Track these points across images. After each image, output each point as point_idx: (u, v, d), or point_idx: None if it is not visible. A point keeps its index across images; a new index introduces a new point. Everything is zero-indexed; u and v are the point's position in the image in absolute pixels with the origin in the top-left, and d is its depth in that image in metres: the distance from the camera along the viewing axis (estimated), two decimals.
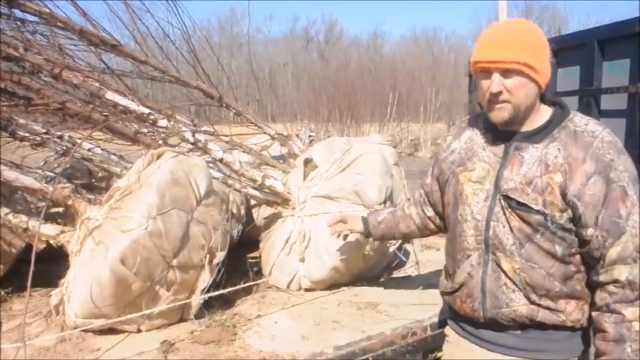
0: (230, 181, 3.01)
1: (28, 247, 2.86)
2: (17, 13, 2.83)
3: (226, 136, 3.39)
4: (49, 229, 2.58)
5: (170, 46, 3.78)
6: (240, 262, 3.34)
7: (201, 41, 4.18)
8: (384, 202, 2.99)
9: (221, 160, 3.00)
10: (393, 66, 31.05)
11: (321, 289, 2.98)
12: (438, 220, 2.20)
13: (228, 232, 2.88)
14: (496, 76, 1.64)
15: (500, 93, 1.64)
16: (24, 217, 2.61)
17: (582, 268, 1.72)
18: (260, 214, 3.49)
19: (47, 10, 2.81)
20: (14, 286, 2.88)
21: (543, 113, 1.74)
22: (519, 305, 1.73)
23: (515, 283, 1.72)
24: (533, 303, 1.72)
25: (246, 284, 2.85)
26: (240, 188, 3.06)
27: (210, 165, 2.96)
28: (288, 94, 34.68)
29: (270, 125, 3.81)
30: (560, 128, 1.70)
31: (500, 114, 1.68)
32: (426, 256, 3.53)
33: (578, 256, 1.71)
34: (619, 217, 1.60)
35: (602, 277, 1.66)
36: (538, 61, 1.64)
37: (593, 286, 1.72)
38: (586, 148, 1.63)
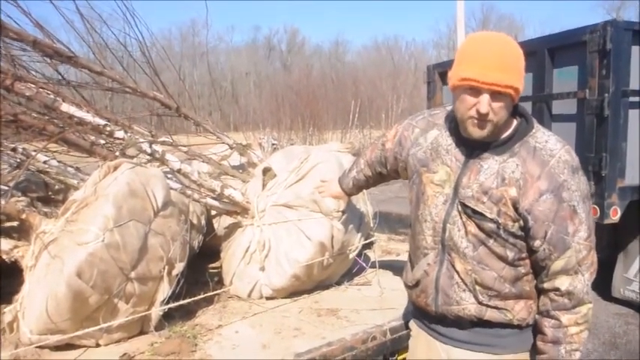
0: (189, 192, 3.00)
1: None
2: None
3: (185, 146, 3.38)
4: (2, 244, 2.53)
5: (129, 57, 3.76)
6: (201, 273, 3.32)
7: (160, 53, 4.17)
8: (343, 211, 3.03)
9: (179, 171, 2.99)
10: (354, 74, 31.36)
11: (282, 297, 2.99)
12: (393, 175, 2.41)
13: (187, 242, 2.86)
14: (486, 97, 1.66)
15: (487, 113, 1.67)
16: None
17: (531, 270, 1.81)
18: (220, 223, 3.49)
19: None
20: None
21: (509, 124, 1.78)
22: (468, 304, 1.83)
23: (466, 284, 1.82)
24: (481, 303, 1.81)
25: (207, 294, 2.84)
26: (199, 198, 3.06)
27: (169, 176, 2.95)
28: (250, 103, 34.56)
29: (232, 134, 3.83)
30: (522, 143, 1.76)
31: (479, 131, 1.72)
32: (387, 261, 3.57)
33: (528, 260, 1.80)
34: (566, 234, 1.70)
35: (545, 285, 1.78)
36: (521, 83, 1.69)
37: (537, 290, 1.83)
38: (542, 166, 1.70)
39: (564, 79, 5.15)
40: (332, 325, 2.62)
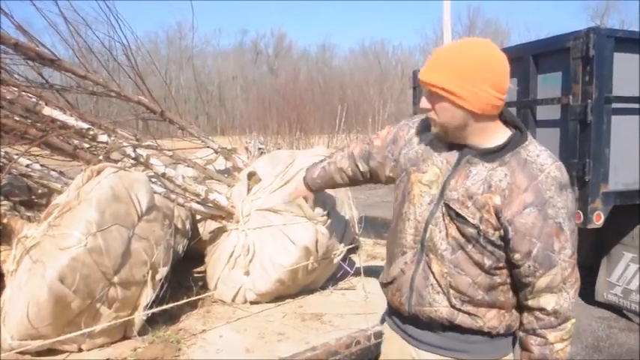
0: (173, 196, 2.99)
1: None
2: None
3: (170, 150, 3.37)
4: None
5: (113, 60, 3.74)
6: (185, 277, 3.31)
7: (145, 57, 4.15)
8: (328, 214, 3.03)
9: (164, 175, 2.98)
10: (341, 79, 31.44)
11: (267, 302, 2.99)
12: (368, 176, 2.40)
13: (171, 247, 2.85)
14: (425, 93, 1.74)
15: (427, 110, 1.74)
16: None
17: (508, 280, 1.81)
18: (205, 228, 3.48)
19: None
20: None
21: (502, 134, 1.78)
22: (440, 307, 1.83)
23: (440, 286, 1.82)
24: (453, 307, 1.81)
25: (191, 299, 2.83)
26: (184, 203, 3.05)
27: (153, 180, 2.94)
28: (237, 107, 34.51)
29: (219, 138, 3.83)
30: (513, 153, 1.75)
31: (433, 128, 1.80)
32: (371, 266, 3.58)
33: (505, 270, 1.79)
34: (552, 251, 1.69)
35: (530, 302, 1.78)
36: (460, 87, 1.66)
37: (521, 307, 1.83)
38: (530, 179, 1.69)
39: (548, 85, 5.20)
40: (316, 330, 2.63)
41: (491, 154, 1.76)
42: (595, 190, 4.78)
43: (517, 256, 1.71)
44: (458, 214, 1.76)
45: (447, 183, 1.80)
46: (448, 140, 1.81)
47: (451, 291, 1.80)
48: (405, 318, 1.96)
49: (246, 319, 2.80)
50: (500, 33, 56.73)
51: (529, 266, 1.71)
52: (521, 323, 1.85)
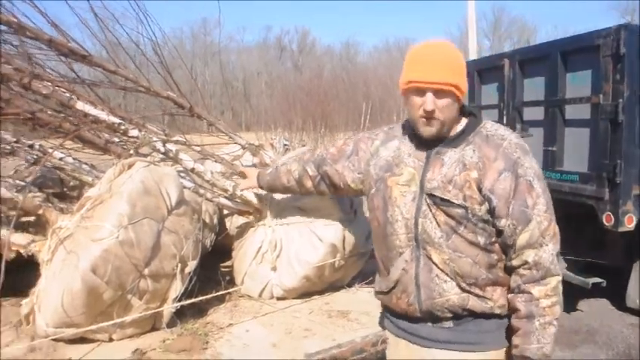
0: (202, 191, 3.03)
1: None
2: None
3: (198, 145, 3.40)
4: (19, 238, 2.57)
5: (142, 56, 3.78)
6: (213, 271, 3.34)
7: (172, 52, 4.19)
8: (355, 212, 3.04)
9: (192, 170, 3.01)
10: (366, 75, 31.33)
11: (293, 298, 3.01)
12: (316, 181, 2.50)
13: (200, 241, 2.89)
14: (430, 95, 1.80)
15: (433, 111, 1.81)
16: None
17: (503, 257, 1.89)
18: (233, 223, 3.51)
19: (16, 20, 2.80)
20: None
21: (461, 121, 1.93)
22: (451, 294, 1.87)
23: (446, 274, 1.87)
24: (463, 290, 1.87)
25: (219, 293, 2.87)
26: (212, 198, 3.08)
27: (182, 175, 2.98)
28: (262, 103, 34.63)
29: (244, 134, 3.84)
30: (475, 133, 1.90)
31: (429, 129, 1.86)
32: None
33: (497, 246, 1.88)
34: (526, 206, 1.80)
35: (514, 262, 1.86)
36: (463, 82, 1.83)
37: (508, 273, 1.90)
38: (497, 148, 1.84)
39: (577, 83, 5.12)
40: (342, 327, 2.64)
41: (455, 140, 1.90)
42: (627, 192, 4.69)
43: (503, 221, 1.81)
44: (442, 199, 1.84)
45: (424, 176, 1.90)
46: (437, 137, 1.89)
47: (457, 276, 1.86)
48: (415, 319, 1.98)
49: (272, 314, 2.82)
50: (526, 30, 56.07)
51: (509, 225, 1.81)
52: (509, 289, 1.91)
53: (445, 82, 1.79)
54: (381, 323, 2.31)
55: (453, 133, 1.92)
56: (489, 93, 6.82)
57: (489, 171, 1.82)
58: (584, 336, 5.39)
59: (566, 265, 5.52)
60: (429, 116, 1.83)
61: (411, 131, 2.02)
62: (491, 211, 1.83)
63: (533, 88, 5.87)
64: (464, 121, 1.94)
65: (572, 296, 5.83)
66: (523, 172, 1.82)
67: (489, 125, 1.94)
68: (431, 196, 1.87)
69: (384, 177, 2.02)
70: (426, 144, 1.94)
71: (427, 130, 1.87)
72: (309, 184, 2.54)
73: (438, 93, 1.81)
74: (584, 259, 5.33)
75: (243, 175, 3.03)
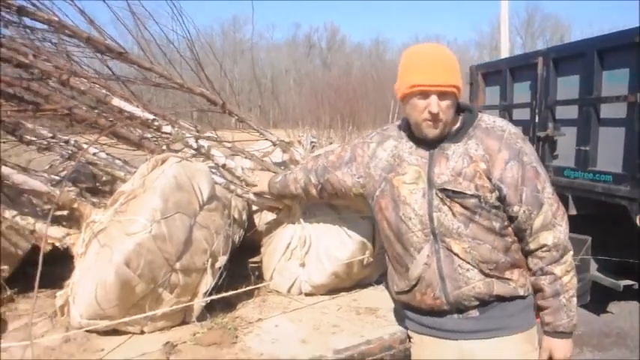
0: (232, 187, 3.05)
1: (33, 249, 2.91)
2: (27, 21, 2.88)
3: (229, 142, 3.43)
4: (55, 232, 2.63)
5: (172, 53, 3.82)
6: (241, 267, 3.37)
7: (204, 48, 4.23)
8: None
9: (223, 166, 3.04)
10: (395, 73, 30.98)
11: (321, 294, 3.02)
12: (319, 188, 2.57)
13: (230, 236, 2.92)
14: (434, 98, 1.88)
15: (438, 113, 1.89)
16: (31, 220, 2.65)
17: (516, 239, 1.99)
18: (262, 219, 3.53)
19: (56, 19, 2.86)
20: (19, 287, 2.92)
21: (456, 117, 2.02)
22: (476, 281, 1.95)
23: (468, 262, 1.94)
24: (487, 276, 1.94)
25: (248, 288, 2.88)
26: (242, 194, 3.11)
27: (213, 170, 3.01)
28: (290, 100, 34.73)
29: (271, 131, 3.86)
30: (474, 127, 1.99)
31: (434, 131, 1.94)
32: None
33: (510, 229, 1.97)
34: (537, 191, 1.92)
35: (531, 245, 1.96)
36: (460, 82, 1.93)
37: (525, 255, 2.01)
38: (499, 140, 1.94)
39: (614, 81, 5.03)
40: (371, 324, 2.64)
41: (457, 135, 1.98)
42: None
43: (515, 208, 1.92)
44: (455, 192, 1.93)
45: (431, 172, 1.97)
46: (439, 137, 1.97)
47: (479, 263, 1.93)
48: (441, 313, 2.04)
49: (301, 310, 2.84)
50: (560, 27, 55.09)
51: (524, 211, 1.91)
52: (529, 270, 2.01)
53: (448, 84, 1.87)
54: (402, 323, 2.33)
55: (452, 128, 2.01)
56: (521, 91, 6.75)
57: (496, 161, 1.91)
58: (614, 339, 5.32)
59: (597, 267, 5.46)
60: (435, 119, 1.90)
61: (408, 131, 2.10)
62: (502, 199, 1.92)
63: (568, 86, 5.80)
64: (459, 117, 2.03)
65: (602, 298, 5.75)
66: (528, 160, 1.93)
67: (486, 118, 2.03)
68: (443, 190, 1.94)
69: (388, 178, 2.09)
70: (425, 142, 2.02)
71: (432, 132, 1.95)
72: (313, 191, 2.60)
73: (441, 95, 1.88)
74: (616, 260, 5.25)
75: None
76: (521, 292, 1.99)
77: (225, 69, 4.86)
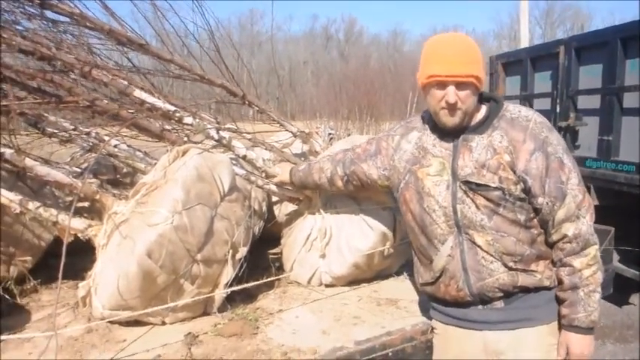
0: (252, 178, 3.05)
1: (56, 241, 2.94)
2: (48, 13, 2.90)
3: (249, 133, 3.43)
4: (77, 223, 2.64)
5: (191, 45, 3.83)
6: (261, 258, 3.38)
7: (224, 40, 4.23)
8: None
9: (244, 157, 3.04)
10: (413, 64, 30.84)
11: (342, 285, 3.02)
12: (344, 180, 2.58)
13: (250, 227, 2.92)
14: (451, 88, 1.87)
15: (456, 102, 1.88)
16: (54, 211, 2.68)
17: (542, 230, 1.97)
18: (281, 210, 3.53)
19: (78, 11, 2.87)
20: (42, 278, 2.96)
21: (481, 108, 2.01)
22: (500, 274, 1.94)
23: (491, 255, 1.94)
24: (511, 269, 1.93)
25: (268, 279, 2.89)
26: (263, 185, 3.10)
27: (234, 162, 3.01)
28: (307, 92, 34.71)
29: (290, 123, 3.85)
30: (499, 118, 1.97)
31: (452, 120, 1.93)
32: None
33: (536, 221, 1.95)
34: (561, 182, 1.89)
35: (554, 237, 1.94)
36: (482, 72, 1.91)
37: (549, 246, 1.99)
38: (524, 130, 1.92)
39: (637, 70, 4.94)
40: (391, 315, 2.63)
41: (481, 127, 1.97)
42: None
43: (540, 199, 1.90)
44: (478, 185, 1.92)
45: (455, 164, 1.96)
46: (460, 126, 1.96)
47: (503, 255, 1.92)
48: (465, 304, 2.04)
49: (321, 301, 2.83)
50: (581, 15, 54.23)
51: (547, 203, 1.89)
52: (552, 263, 1.99)
53: (466, 74, 1.86)
54: (427, 314, 2.33)
55: (475, 120, 1.99)
56: (542, 81, 6.67)
57: (521, 153, 1.89)
58: (636, 331, 5.24)
59: (619, 258, 5.38)
60: (452, 107, 1.89)
61: (432, 123, 2.09)
62: (527, 191, 1.90)
63: (590, 75, 5.71)
64: (484, 107, 2.01)
65: (624, 290, 5.68)
66: (553, 150, 1.90)
67: (511, 108, 2.01)
68: (466, 182, 1.94)
69: (413, 170, 2.09)
70: (450, 133, 2.01)
71: (450, 121, 1.93)
72: (339, 183, 2.61)
73: (459, 85, 1.87)
74: (639, 250, 5.18)
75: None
76: (546, 283, 1.97)
77: (243, 61, 4.85)
